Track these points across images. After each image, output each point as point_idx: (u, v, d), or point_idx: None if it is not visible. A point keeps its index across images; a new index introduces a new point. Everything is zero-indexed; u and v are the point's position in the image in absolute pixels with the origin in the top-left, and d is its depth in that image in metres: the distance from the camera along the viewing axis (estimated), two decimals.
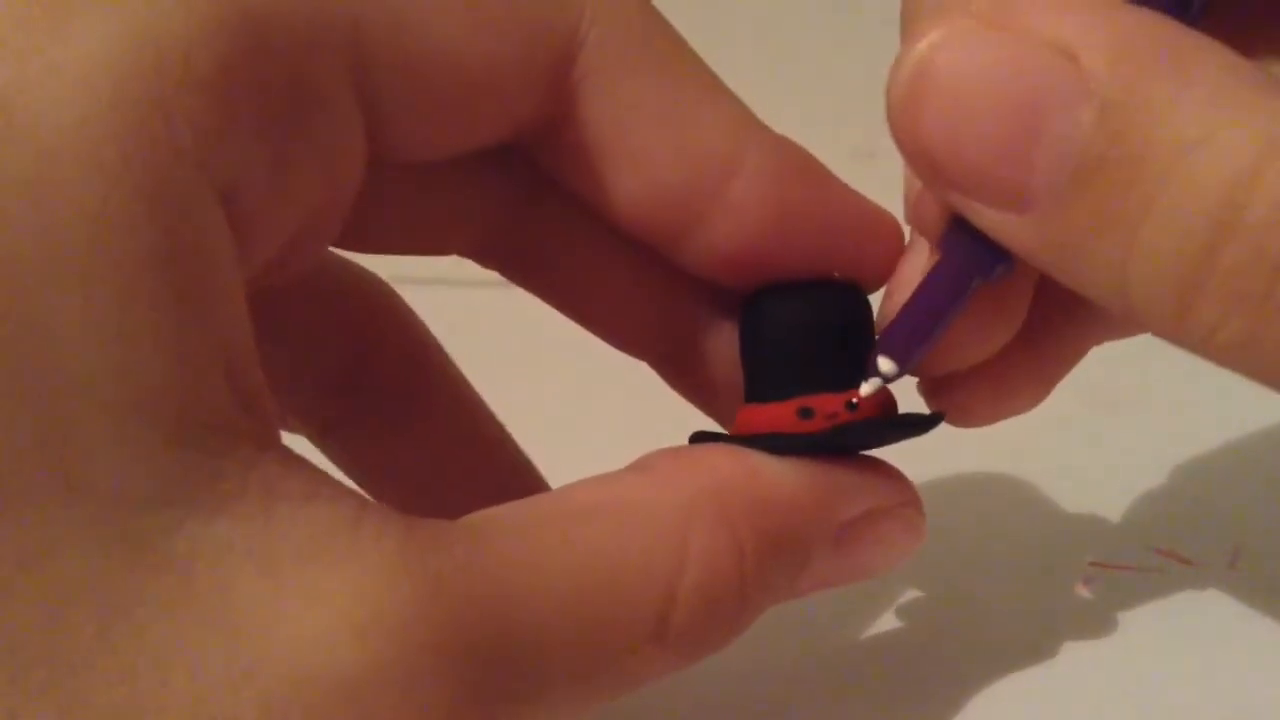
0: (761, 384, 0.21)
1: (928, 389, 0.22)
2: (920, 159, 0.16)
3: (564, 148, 0.20)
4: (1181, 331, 0.15)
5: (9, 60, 0.14)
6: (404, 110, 0.18)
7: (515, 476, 0.25)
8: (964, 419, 0.22)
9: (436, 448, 0.24)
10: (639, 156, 0.20)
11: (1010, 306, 0.20)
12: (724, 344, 0.22)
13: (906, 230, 0.21)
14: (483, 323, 0.25)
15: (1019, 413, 0.22)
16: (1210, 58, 0.14)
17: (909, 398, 0.22)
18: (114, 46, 0.14)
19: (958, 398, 0.21)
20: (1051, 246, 0.15)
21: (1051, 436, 0.30)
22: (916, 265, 0.20)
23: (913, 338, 0.19)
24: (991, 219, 0.16)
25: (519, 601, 0.16)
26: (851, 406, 0.20)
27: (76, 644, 0.14)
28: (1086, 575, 0.26)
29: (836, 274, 0.21)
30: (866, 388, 0.20)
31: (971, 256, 0.18)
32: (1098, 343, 0.22)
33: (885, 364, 0.19)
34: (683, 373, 0.23)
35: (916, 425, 0.21)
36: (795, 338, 0.21)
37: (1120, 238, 0.15)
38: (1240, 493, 0.28)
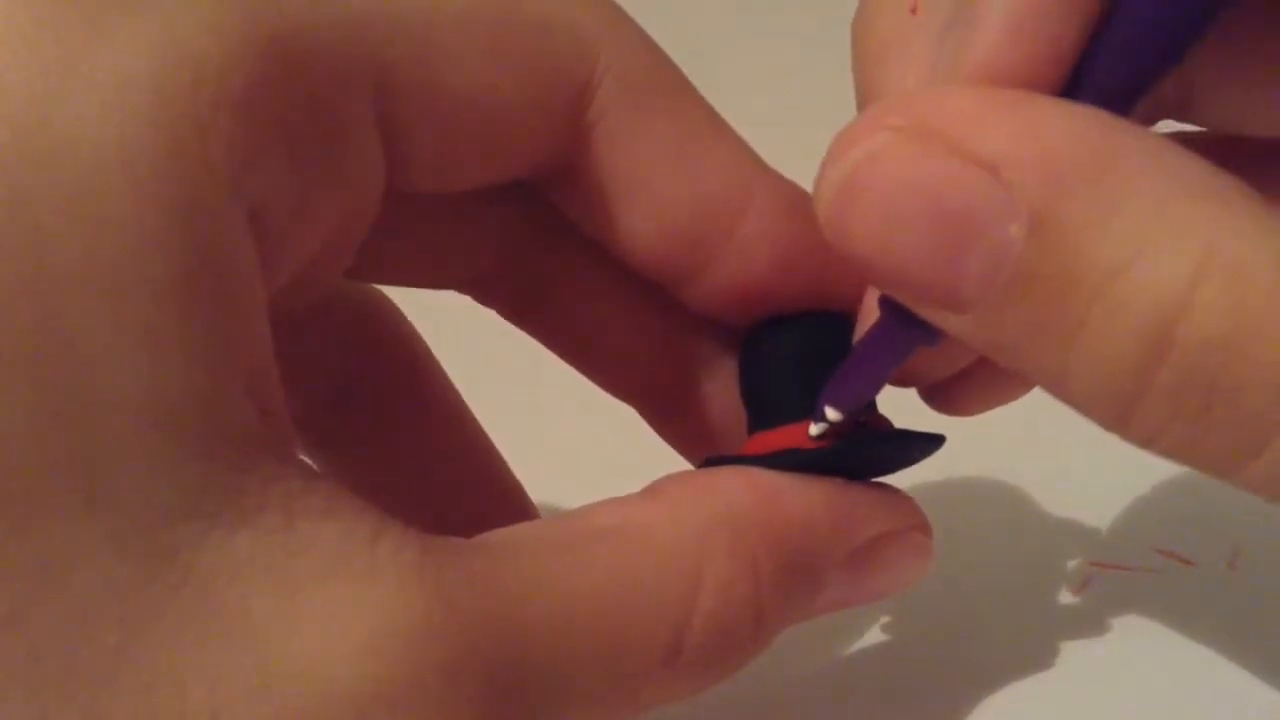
0: (770, 411, 0.21)
1: (922, 388, 0.22)
2: (852, 262, 0.15)
3: (577, 187, 0.20)
4: (1122, 435, 0.15)
5: (47, 73, 0.14)
6: (423, 142, 0.18)
7: (499, 493, 0.25)
8: (959, 409, 0.22)
9: (424, 462, 0.24)
10: (651, 197, 0.20)
11: None
12: (718, 389, 0.23)
13: None
14: (477, 328, 0.25)
15: (1011, 400, 0.22)
16: (1145, 163, 0.14)
17: (904, 397, 0.22)
18: (151, 64, 0.15)
19: (952, 391, 0.22)
20: (988, 345, 0.15)
21: (1051, 436, 0.30)
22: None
23: (854, 390, 0.19)
24: (928, 312, 0.16)
25: (533, 622, 0.16)
26: (860, 426, 0.20)
27: (97, 656, 0.14)
28: (1087, 575, 0.26)
29: (836, 307, 0.21)
30: (814, 429, 0.20)
31: (908, 328, 0.17)
32: None
33: (830, 412, 0.20)
34: (674, 419, 0.23)
35: (923, 441, 0.21)
36: (804, 366, 0.21)
37: (1055, 349, 0.14)
38: (1240, 493, 0.28)
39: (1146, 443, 0.15)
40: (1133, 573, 0.26)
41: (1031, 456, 0.29)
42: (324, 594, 0.15)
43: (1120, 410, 0.15)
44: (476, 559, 0.16)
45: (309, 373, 0.23)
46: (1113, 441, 0.30)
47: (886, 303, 0.17)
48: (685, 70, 0.21)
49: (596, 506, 0.19)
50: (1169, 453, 0.15)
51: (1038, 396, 0.22)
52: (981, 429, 0.24)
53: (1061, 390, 0.15)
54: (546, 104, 0.19)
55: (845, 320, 0.21)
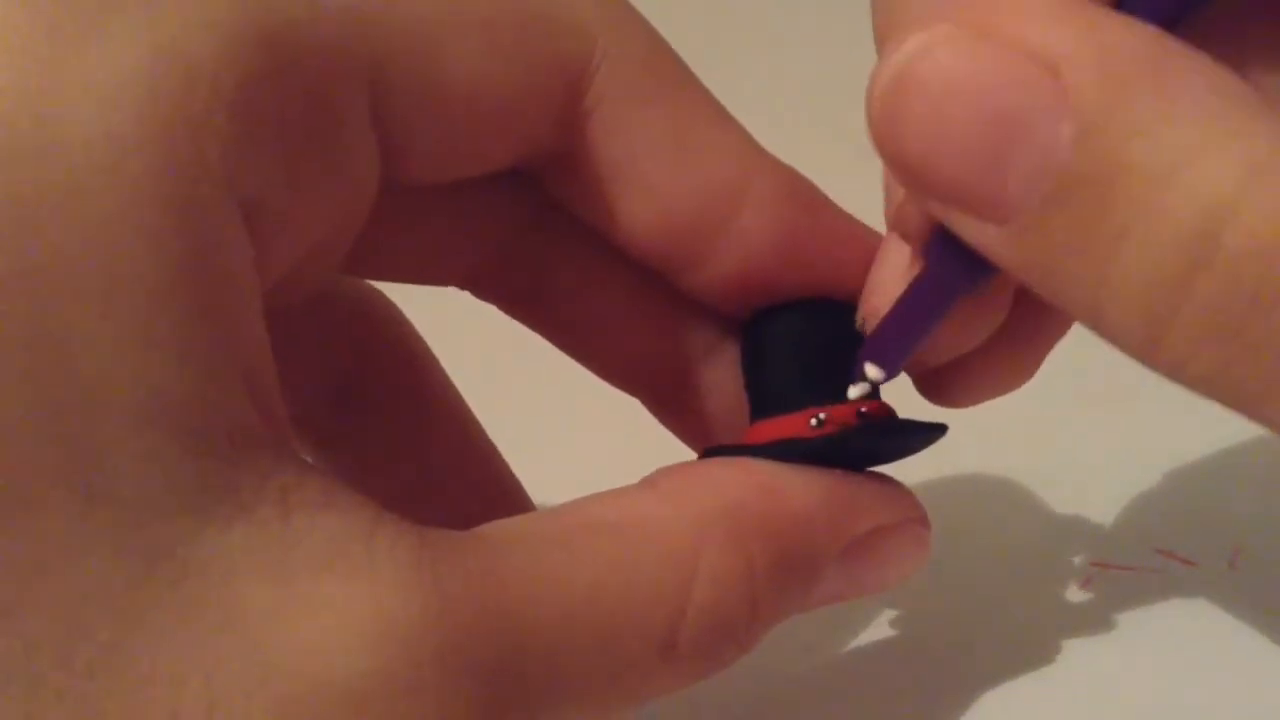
0: (771, 399, 0.21)
1: (917, 377, 0.22)
2: (899, 166, 0.15)
3: (575, 175, 0.20)
4: (1152, 361, 0.15)
5: (42, 72, 0.14)
6: (418, 134, 0.18)
7: (499, 491, 0.25)
8: (954, 401, 0.22)
9: (424, 461, 0.24)
10: (649, 185, 0.20)
11: (996, 301, 0.20)
12: (721, 378, 0.23)
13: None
14: (476, 325, 0.25)
15: (1008, 392, 0.22)
16: (1198, 76, 0.14)
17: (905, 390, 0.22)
18: (144, 62, 0.15)
19: (947, 383, 0.21)
20: (1027, 262, 0.15)
21: (1051, 436, 0.30)
22: (891, 265, 0.20)
23: (898, 345, 0.19)
24: (969, 228, 0.15)
25: (530, 614, 0.16)
26: (862, 415, 0.20)
27: (92, 651, 0.14)
28: (1087, 575, 0.26)
29: (835, 294, 0.21)
30: (854, 391, 0.20)
31: (956, 269, 0.17)
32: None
33: (872, 370, 0.20)
34: (678, 409, 0.23)
35: (924, 431, 0.21)
36: (805, 353, 0.21)
37: (1094, 261, 0.14)
38: (1240, 493, 0.28)
39: (1177, 369, 0.14)
40: (1133, 573, 0.26)
41: (1032, 456, 0.29)
42: (321, 587, 0.15)
43: (1154, 331, 0.14)
44: (473, 552, 0.16)
45: (308, 373, 0.23)
46: (1113, 441, 0.30)
47: (933, 245, 0.17)
48: (686, 32, 0.21)
49: (593, 498, 0.19)
50: (1199, 381, 0.14)
51: (1038, 395, 0.22)
52: (982, 428, 0.24)
53: (1094, 312, 0.15)
54: (542, 92, 0.19)
55: (847, 307, 0.21)
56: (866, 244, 0.21)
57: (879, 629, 0.26)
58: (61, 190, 0.14)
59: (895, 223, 0.19)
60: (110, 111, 0.14)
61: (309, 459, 0.24)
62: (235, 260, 0.15)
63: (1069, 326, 0.22)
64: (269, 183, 0.16)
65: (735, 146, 0.20)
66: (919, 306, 0.19)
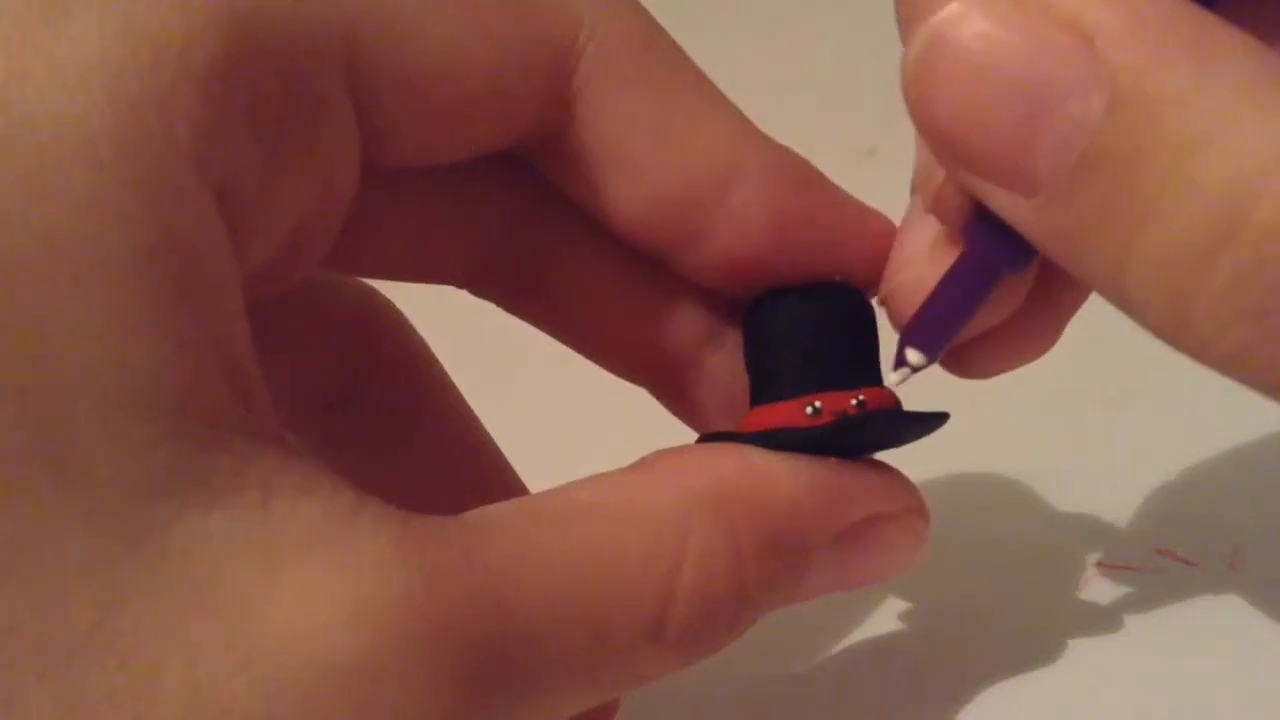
0: (769, 386, 0.21)
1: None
2: (930, 134, 0.15)
3: (565, 157, 0.20)
4: (1176, 340, 0.15)
5: (8, 55, 0.14)
6: (400, 116, 0.18)
7: (502, 491, 0.25)
8: (977, 372, 0.22)
9: (426, 463, 0.24)
10: (640, 165, 0.20)
11: (1023, 275, 0.20)
12: (725, 364, 0.23)
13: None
14: (476, 325, 0.25)
15: (1030, 361, 0.22)
16: (1232, 50, 0.14)
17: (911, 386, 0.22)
18: (111, 43, 0.15)
19: (970, 354, 0.21)
20: (1054, 234, 0.15)
21: (1052, 436, 0.30)
22: (915, 242, 0.20)
23: (940, 329, 0.19)
24: (1000, 200, 0.15)
25: (516, 596, 0.16)
26: (859, 404, 0.20)
27: (73, 632, 0.14)
28: (1088, 575, 0.26)
29: (835, 277, 0.21)
30: (894, 377, 0.20)
31: (999, 249, 0.17)
32: None
33: (913, 355, 0.19)
34: (682, 397, 0.23)
35: (923, 420, 0.21)
36: (803, 337, 0.21)
37: (1121, 236, 0.14)
38: (1241, 493, 0.28)
39: (1201, 348, 0.14)
40: (1133, 573, 0.26)
41: (1032, 457, 0.29)
42: (303, 569, 0.15)
43: (1177, 311, 0.14)
44: (457, 534, 0.16)
45: (309, 372, 0.23)
46: (1113, 441, 0.30)
47: (975, 228, 0.17)
48: (685, 29, 0.20)
49: (581, 482, 0.19)
50: (1225, 360, 0.14)
51: (1040, 396, 0.22)
52: (983, 428, 0.24)
53: (1118, 287, 0.15)
54: (526, 72, 0.19)
55: (848, 290, 0.21)
56: (866, 223, 0.21)
57: (878, 628, 0.26)
58: (28, 172, 0.14)
59: (934, 204, 0.19)
60: (78, 93, 0.14)
61: (295, 443, 0.24)
62: (208, 240, 0.15)
63: (1088, 296, 0.21)
64: (243, 162, 0.16)
65: (726, 125, 0.20)
66: (961, 290, 0.19)
